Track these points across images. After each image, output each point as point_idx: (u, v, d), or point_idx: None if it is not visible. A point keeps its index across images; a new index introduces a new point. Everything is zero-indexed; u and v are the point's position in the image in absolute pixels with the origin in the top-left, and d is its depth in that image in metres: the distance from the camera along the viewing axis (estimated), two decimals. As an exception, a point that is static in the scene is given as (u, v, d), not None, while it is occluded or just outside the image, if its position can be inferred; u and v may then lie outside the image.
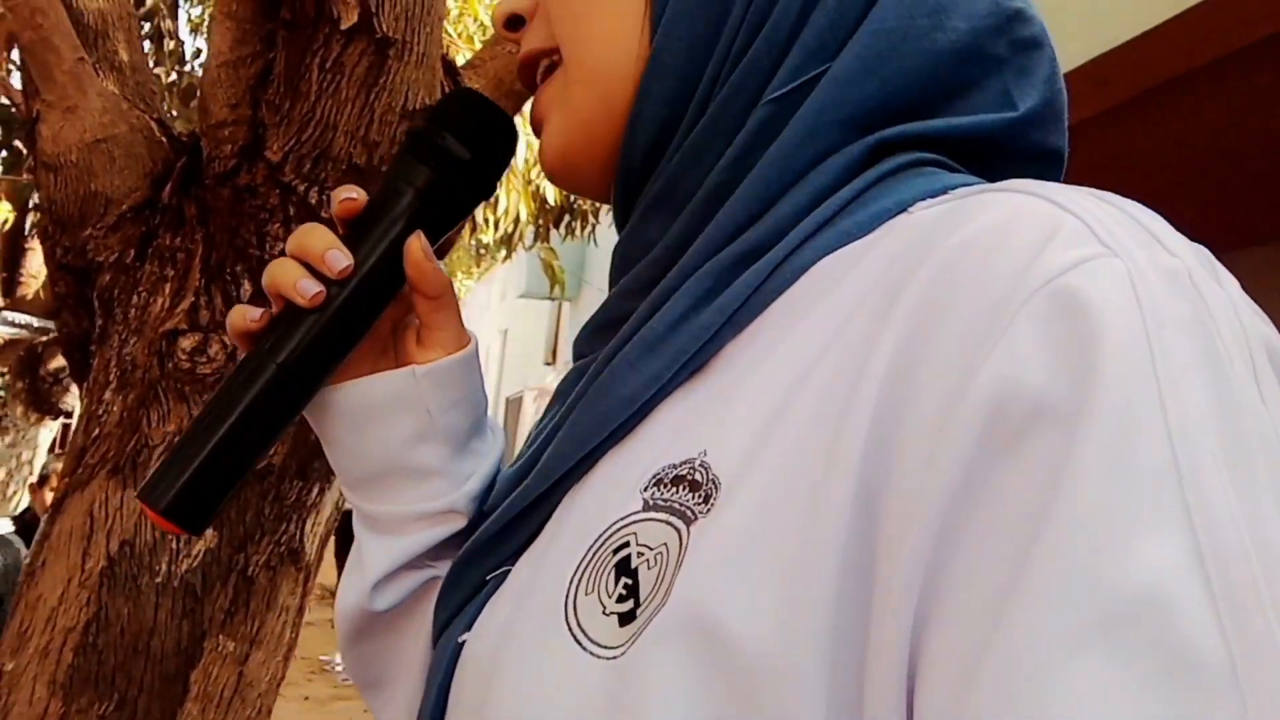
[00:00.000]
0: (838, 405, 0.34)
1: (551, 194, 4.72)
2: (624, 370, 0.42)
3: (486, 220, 4.40)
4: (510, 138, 0.54)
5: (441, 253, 0.63)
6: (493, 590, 0.47)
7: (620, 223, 0.50)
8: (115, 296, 1.19)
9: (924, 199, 0.38)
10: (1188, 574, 0.26)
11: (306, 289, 0.48)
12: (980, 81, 0.42)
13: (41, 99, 1.18)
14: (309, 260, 0.49)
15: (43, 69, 1.16)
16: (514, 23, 0.51)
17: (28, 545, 3.00)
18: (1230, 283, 0.32)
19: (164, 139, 1.22)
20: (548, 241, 5.54)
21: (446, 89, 1.17)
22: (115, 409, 1.16)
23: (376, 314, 0.52)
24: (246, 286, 1.14)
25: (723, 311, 0.40)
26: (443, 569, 0.55)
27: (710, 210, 0.43)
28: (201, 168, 1.16)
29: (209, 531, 1.14)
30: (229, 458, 0.49)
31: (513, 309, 13.08)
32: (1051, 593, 0.27)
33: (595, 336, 0.50)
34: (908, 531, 0.30)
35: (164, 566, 1.13)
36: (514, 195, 3.95)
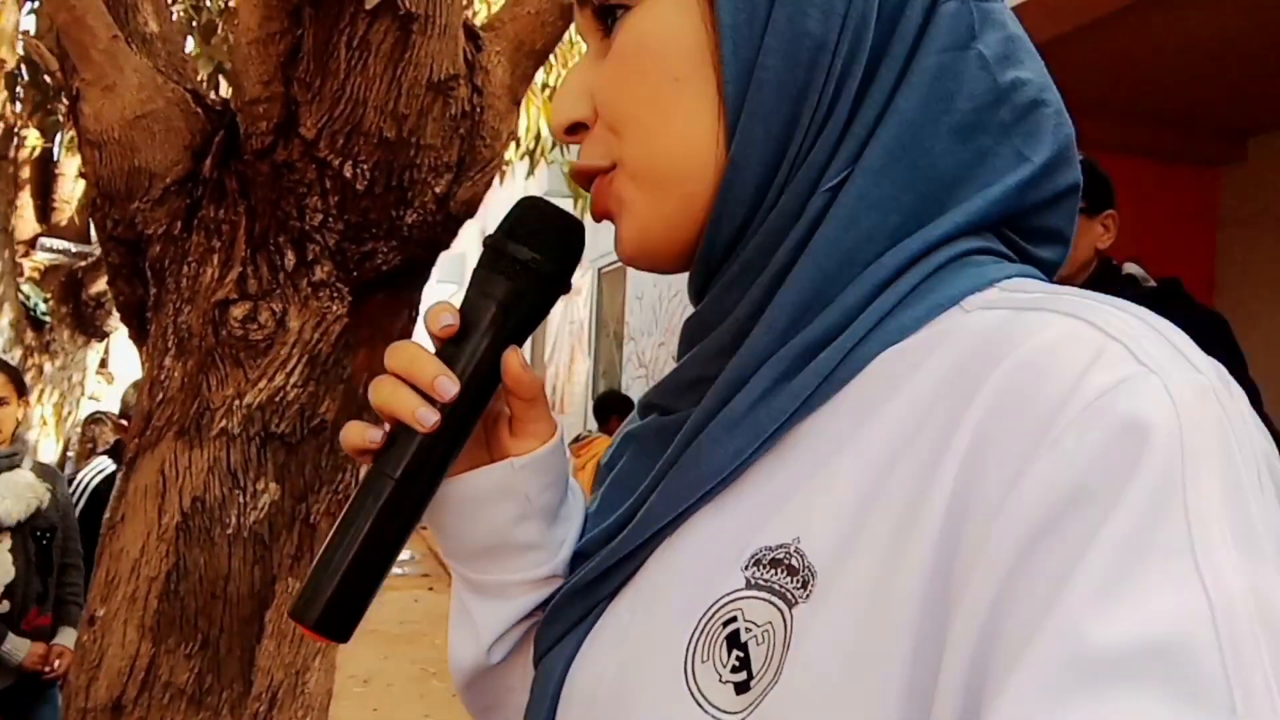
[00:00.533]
0: (914, 510, 0.38)
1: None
2: (710, 446, 0.47)
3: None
4: (579, 235, 0.58)
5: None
6: (592, 624, 0.53)
7: (697, 296, 0.54)
8: (166, 267, 1.25)
9: (973, 293, 0.44)
10: (1201, 623, 0.29)
11: (426, 419, 0.52)
12: (994, 148, 0.47)
13: (80, 77, 1.22)
14: (418, 385, 0.53)
15: (79, 49, 1.20)
16: (575, 129, 0.54)
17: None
18: (1241, 397, 0.36)
19: (199, 110, 1.27)
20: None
21: (469, 54, 1.20)
22: (176, 374, 1.23)
23: (477, 421, 0.56)
24: (290, 256, 1.20)
25: (797, 397, 0.45)
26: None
27: (775, 286, 0.47)
28: (239, 142, 1.21)
29: (272, 484, 1.23)
30: (364, 570, 0.53)
31: (537, 207, 12.96)
32: (1057, 635, 0.31)
33: (671, 393, 0.55)
34: (964, 616, 0.35)
35: (234, 519, 1.23)
36: (534, 111, 3.91)
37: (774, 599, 0.41)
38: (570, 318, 10.83)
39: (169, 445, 1.23)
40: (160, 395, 1.25)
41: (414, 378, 0.53)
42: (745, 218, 0.48)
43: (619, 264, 9.23)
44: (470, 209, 1.29)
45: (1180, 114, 4.25)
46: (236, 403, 1.22)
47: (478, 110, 1.22)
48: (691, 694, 0.42)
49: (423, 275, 1.36)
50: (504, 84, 1.29)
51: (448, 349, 0.55)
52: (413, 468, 0.54)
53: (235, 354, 1.21)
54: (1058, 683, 0.30)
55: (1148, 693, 0.29)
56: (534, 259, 0.55)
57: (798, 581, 0.41)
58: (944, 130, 0.45)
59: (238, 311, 1.20)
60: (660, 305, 7.85)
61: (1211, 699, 0.28)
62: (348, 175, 1.15)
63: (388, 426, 0.55)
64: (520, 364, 0.56)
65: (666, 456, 0.50)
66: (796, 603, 0.40)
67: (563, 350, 11.24)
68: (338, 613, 0.52)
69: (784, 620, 0.40)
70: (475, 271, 0.58)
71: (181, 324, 1.23)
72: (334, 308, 1.22)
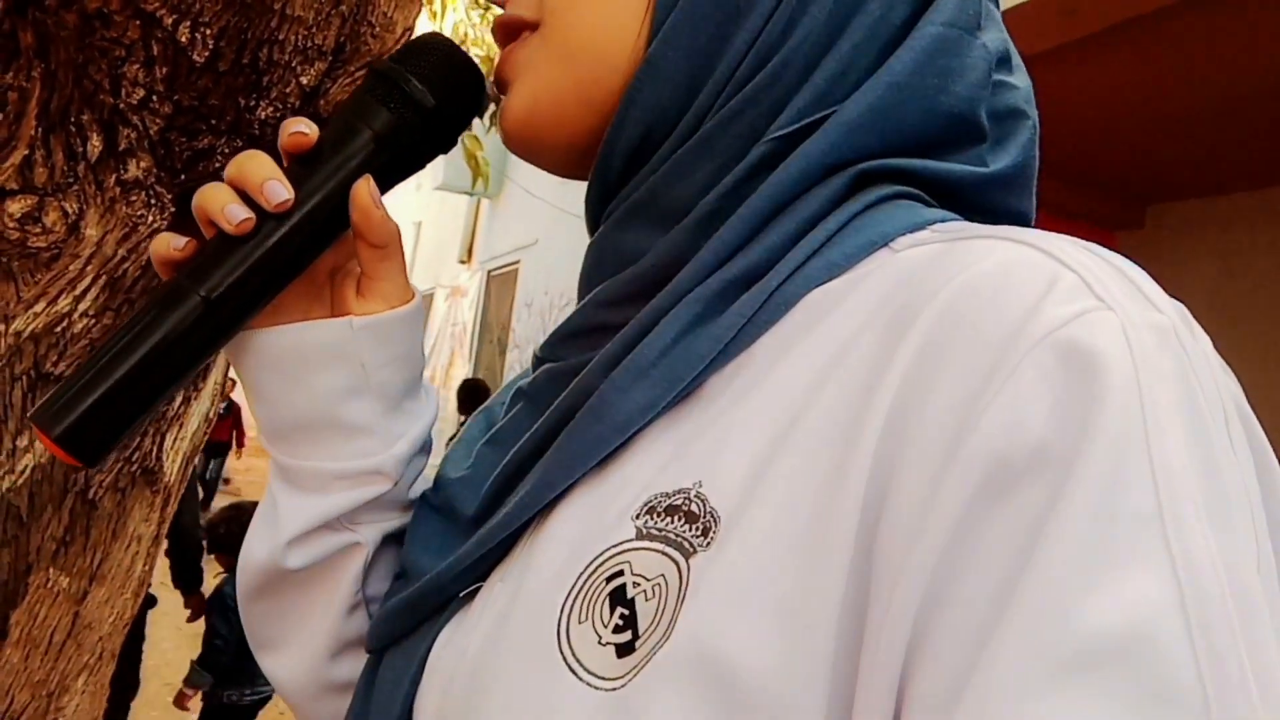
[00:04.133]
0: (839, 444, 0.35)
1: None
2: (614, 396, 0.42)
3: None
4: (478, 90, 0.53)
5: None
6: (459, 606, 0.47)
7: (593, 221, 0.50)
8: (-74, 142, 0.94)
9: (906, 233, 0.41)
10: (1169, 612, 0.28)
11: (234, 214, 0.46)
12: (961, 145, 0.45)
13: None
14: (246, 188, 0.48)
15: None
16: None
17: None
18: (1205, 340, 0.34)
19: (-3, -56, 0.96)
20: (471, 130, 5.20)
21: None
22: (-80, 284, 0.92)
23: (314, 256, 0.50)
24: (95, 142, 0.91)
25: (718, 340, 0.41)
26: (363, 534, 0.54)
27: (702, 236, 0.43)
28: (42, -17, 0.91)
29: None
30: (137, 388, 0.46)
31: (428, 201, 12.54)
32: (1032, 627, 0.28)
33: (567, 342, 0.49)
34: (904, 569, 0.31)
35: (-22, 483, 0.92)
36: (449, 16, 3.62)
37: (668, 549, 0.37)
38: (453, 319, 10.50)
39: (-101, 377, 0.91)
40: (-105, 310, 0.93)
41: (243, 181, 0.48)
42: (650, 130, 0.45)
43: (509, 267, 9.03)
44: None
45: (1079, 172, 4.28)
46: (1, 328, 0.91)
47: (369, -12, 0.95)
48: (564, 659, 0.37)
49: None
50: (407, -33, 1.02)
51: (296, 169, 0.49)
52: (220, 281, 0.46)
53: (6, 263, 0.91)
54: (1021, 678, 0.28)
55: (1113, 692, 0.27)
56: (424, 96, 0.50)
57: (697, 529, 0.37)
58: (931, 106, 0.43)
59: (16, 207, 0.90)
60: (550, 313, 7.65)
61: (1182, 696, 0.27)
62: (183, 41, 0.87)
63: (207, 235, 0.48)
64: (372, 197, 0.49)
65: (556, 405, 0.45)
66: (695, 552, 0.37)
67: (442, 352, 10.92)
68: (91, 428, 0.45)
69: (679, 572, 0.36)
70: (354, 95, 0.52)
71: (-64, 217, 0.92)
72: (149, 217, 0.93)
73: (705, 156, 0.44)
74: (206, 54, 0.87)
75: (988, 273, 0.34)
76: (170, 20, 0.86)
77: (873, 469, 0.34)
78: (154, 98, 0.89)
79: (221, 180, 0.50)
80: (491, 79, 0.51)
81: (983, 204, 0.46)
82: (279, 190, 0.47)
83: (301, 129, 0.48)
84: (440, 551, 0.48)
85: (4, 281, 0.91)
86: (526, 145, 0.49)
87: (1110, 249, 0.35)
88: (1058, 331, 0.31)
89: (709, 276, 0.42)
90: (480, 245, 10.29)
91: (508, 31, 0.49)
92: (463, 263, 11.09)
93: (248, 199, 0.47)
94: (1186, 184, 4.25)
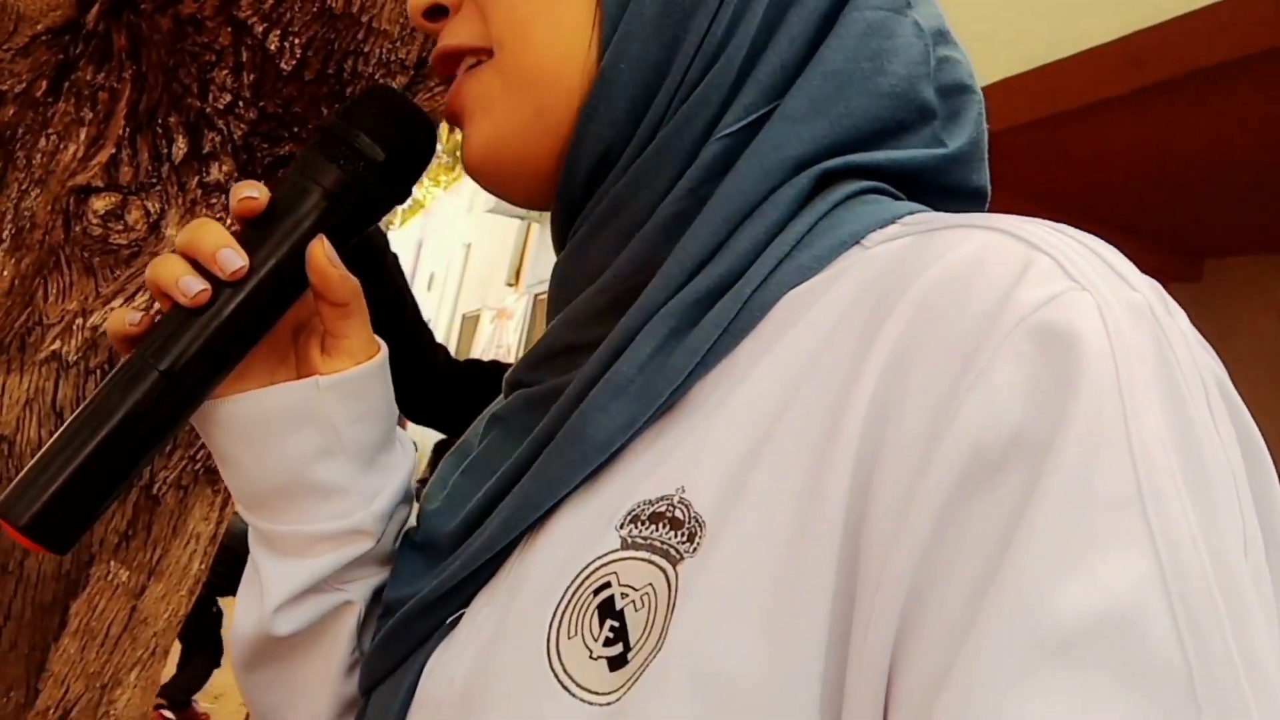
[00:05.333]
0: (818, 443, 0.35)
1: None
2: (594, 415, 0.41)
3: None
4: (429, 138, 0.52)
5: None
6: (443, 635, 0.45)
7: (559, 241, 0.49)
8: (18, 136, 0.96)
9: (875, 229, 0.40)
10: (1151, 589, 0.27)
11: (189, 287, 0.45)
12: (914, 126, 0.44)
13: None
14: (199, 258, 0.46)
15: None
16: (435, 12, 0.48)
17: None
18: (1181, 317, 0.34)
19: (98, -50, 0.99)
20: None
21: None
22: (5, 273, 0.94)
23: (274, 320, 0.49)
24: (181, 144, 0.93)
25: (695, 352, 0.40)
26: (353, 592, 0.53)
27: (665, 242, 0.43)
28: (138, -12, 0.94)
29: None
30: (102, 472, 0.45)
31: (479, 223, 12.69)
32: (1012, 613, 0.28)
33: (540, 365, 0.48)
34: (888, 564, 0.31)
35: (48, 473, 0.93)
36: None
37: (654, 558, 0.36)
38: (498, 341, 10.55)
39: (-22, 365, 0.94)
40: (-21, 298, 0.95)
41: (196, 250, 0.47)
42: (610, 145, 0.45)
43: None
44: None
45: (1136, 224, 4.21)
46: (79, 321, 0.93)
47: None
48: (556, 676, 0.36)
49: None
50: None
51: (249, 233, 0.48)
52: (179, 356, 0.46)
53: (88, 258, 0.93)
54: (1003, 666, 0.27)
55: (1098, 673, 0.27)
56: (373, 150, 0.49)
57: (682, 535, 0.36)
58: (873, 90, 0.43)
59: (100, 204, 0.92)
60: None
61: (1167, 675, 0.27)
62: (272, 49, 0.89)
63: (163, 309, 0.47)
64: (327, 257, 0.48)
65: (537, 432, 0.44)
66: (682, 558, 0.36)
67: (485, 374, 10.92)
68: (56, 518, 0.44)
69: (667, 580, 0.36)
70: (301, 153, 0.50)
71: (24, 210, 0.94)
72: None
73: (664, 163, 0.43)
74: (294, 62, 0.89)
75: (960, 261, 0.34)
76: (261, 28, 0.88)
77: (855, 466, 0.33)
78: (240, 103, 0.91)
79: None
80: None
81: (945, 184, 0.45)
82: (232, 258, 0.46)
83: (251, 193, 0.47)
84: (421, 583, 0.47)
85: (85, 276, 0.93)
86: (493, 179, 0.48)
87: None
88: (1032, 315, 0.31)
89: (681, 289, 0.41)
90: (528, 269, 10.36)
91: (448, 61, 0.49)
92: (510, 285, 11.18)
93: (203, 269, 0.46)
94: (1246, 240, 4.17)
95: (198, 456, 1.01)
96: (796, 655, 0.32)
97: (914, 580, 0.30)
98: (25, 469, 0.44)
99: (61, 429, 0.46)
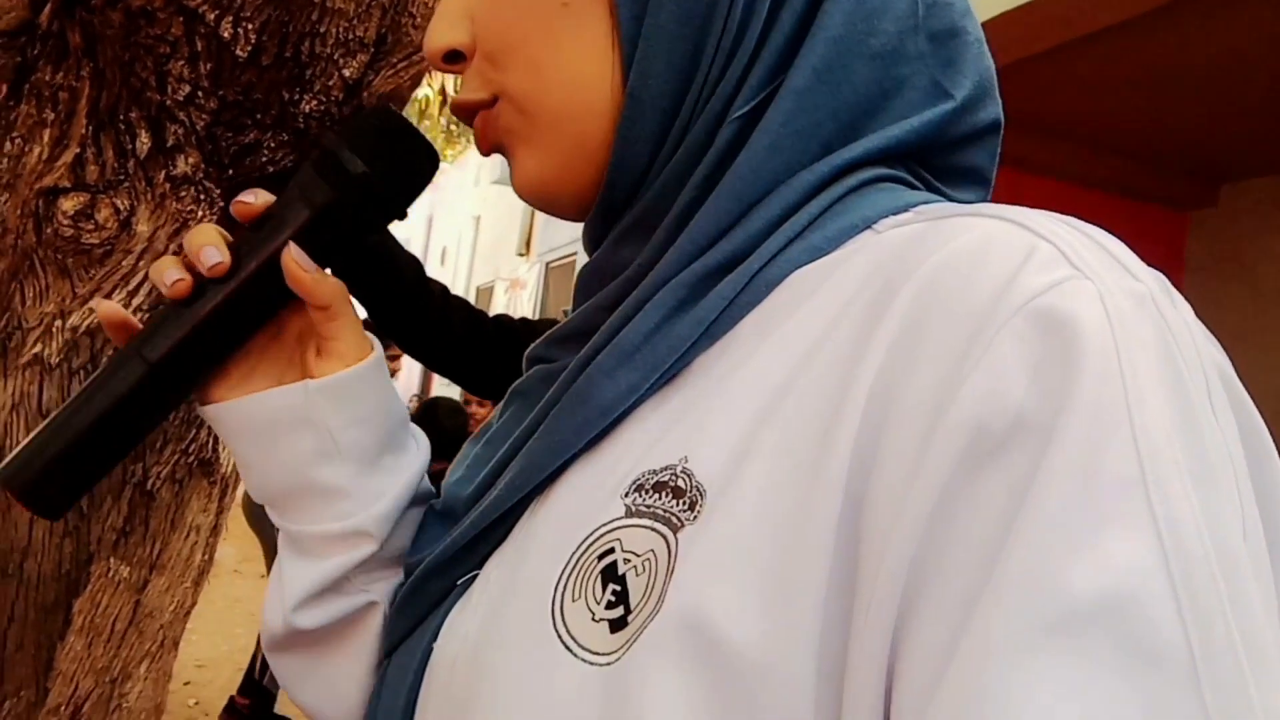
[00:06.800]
0: (823, 418, 0.35)
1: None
2: (600, 380, 0.42)
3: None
4: (427, 159, 0.52)
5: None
6: (458, 596, 0.47)
7: (592, 246, 0.50)
8: (-16, 142, 0.96)
9: (888, 215, 0.41)
10: (1154, 573, 0.27)
11: (169, 277, 0.48)
12: (909, 79, 0.44)
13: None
14: (188, 256, 0.49)
15: None
16: (453, 58, 0.48)
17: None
18: (1185, 307, 0.34)
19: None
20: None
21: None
22: (-19, 281, 0.94)
23: (258, 321, 0.51)
24: (144, 139, 0.92)
25: (700, 323, 0.41)
26: (377, 591, 0.54)
27: (681, 226, 0.43)
28: (89, -16, 0.93)
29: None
30: (94, 450, 0.48)
31: (486, 195, 12.64)
32: (1017, 592, 0.28)
33: (560, 345, 0.49)
34: (891, 540, 0.31)
35: (40, 476, 0.94)
36: None
37: (656, 525, 0.38)
38: (513, 311, 10.54)
39: (-37, 372, 0.94)
40: (-42, 307, 0.95)
41: (186, 248, 0.49)
42: (649, 157, 0.45)
43: (568, 259, 9.06)
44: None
45: (1151, 151, 4.13)
46: (58, 324, 0.93)
47: (409, -22, 0.95)
48: (559, 637, 0.38)
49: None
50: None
51: (246, 235, 0.50)
52: (158, 344, 0.48)
53: (61, 260, 0.93)
54: (1007, 643, 0.28)
55: (1099, 653, 0.27)
56: (365, 174, 0.50)
57: (684, 504, 0.37)
58: (866, 53, 0.43)
59: (69, 204, 0.92)
60: (607, 304, 7.61)
61: (1169, 655, 0.27)
62: (225, 36, 0.87)
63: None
64: (299, 264, 0.49)
65: (547, 398, 0.46)
66: (682, 525, 0.37)
67: (502, 344, 10.93)
68: (52, 483, 0.48)
69: (668, 546, 0.37)
70: (303, 165, 0.52)
71: (-6, 216, 0.94)
72: (199, 212, 0.94)
73: (687, 159, 0.44)
74: (249, 48, 0.88)
75: (965, 247, 0.35)
76: (212, 15, 0.87)
77: (857, 443, 0.34)
78: (199, 93, 0.90)
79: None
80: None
81: (959, 133, 0.46)
82: (212, 254, 0.48)
83: (246, 199, 0.50)
84: (437, 546, 0.49)
85: (60, 278, 0.93)
86: (548, 205, 0.49)
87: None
88: (1035, 300, 0.31)
89: (692, 263, 0.42)
90: (538, 237, 10.33)
91: (466, 112, 0.49)
92: (521, 255, 11.16)
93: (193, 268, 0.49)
94: (1262, 160, 4.09)
95: (190, 450, 1.01)
96: (792, 627, 0.33)
97: (917, 557, 0.31)
98: (23, 443, 0.48)
99: (61, 407, 0.49)
